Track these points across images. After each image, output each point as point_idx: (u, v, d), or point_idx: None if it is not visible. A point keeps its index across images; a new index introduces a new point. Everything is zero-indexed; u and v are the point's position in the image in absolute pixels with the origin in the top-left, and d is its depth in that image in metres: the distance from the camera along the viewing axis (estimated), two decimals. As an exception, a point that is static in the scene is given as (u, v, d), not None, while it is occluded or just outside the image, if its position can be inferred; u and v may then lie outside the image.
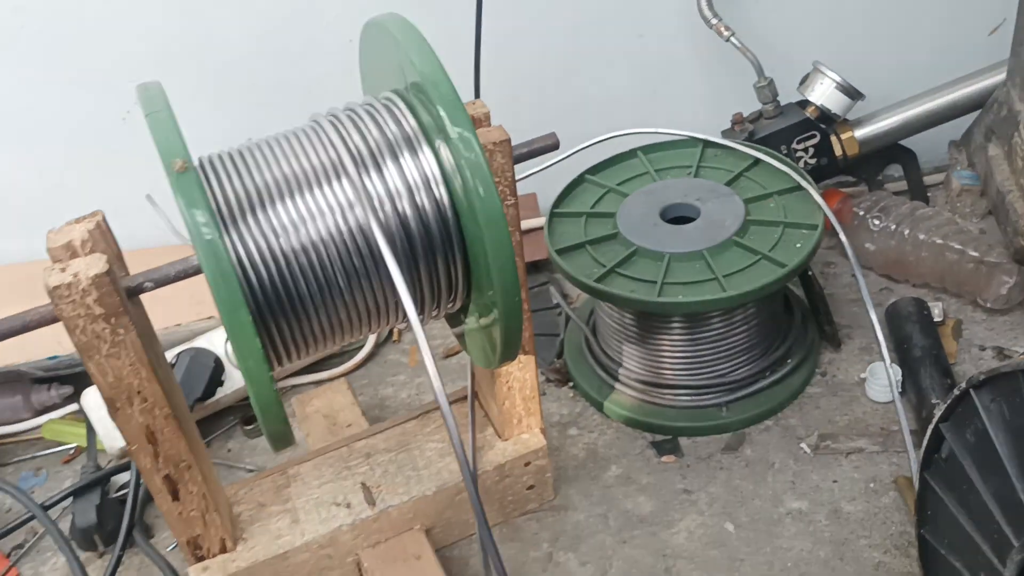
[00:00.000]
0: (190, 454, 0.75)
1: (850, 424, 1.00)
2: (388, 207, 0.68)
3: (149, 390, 0.70)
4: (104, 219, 0.69)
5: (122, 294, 0.65)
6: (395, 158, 0.69)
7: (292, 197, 0.67)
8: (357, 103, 0.73)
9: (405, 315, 0.72)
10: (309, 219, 0.67)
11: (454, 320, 0.84)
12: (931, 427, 0.65)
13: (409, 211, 0.68)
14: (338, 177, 0.68)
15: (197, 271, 0.67)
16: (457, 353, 1.16)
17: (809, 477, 0.95)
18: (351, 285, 0.68)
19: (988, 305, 1.08)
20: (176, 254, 1.30)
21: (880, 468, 0.94)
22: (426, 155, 0.69)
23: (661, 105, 1.25)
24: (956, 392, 0.62)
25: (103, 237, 0.68)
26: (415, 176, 0.68)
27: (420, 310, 0.71)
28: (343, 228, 0.67)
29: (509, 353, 0.70)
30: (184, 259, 0.68)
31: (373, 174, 0.68)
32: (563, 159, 1.11)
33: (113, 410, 0.70)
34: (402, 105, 0.71)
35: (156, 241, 1.25)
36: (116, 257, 0.70)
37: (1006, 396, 0.60)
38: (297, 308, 0.67)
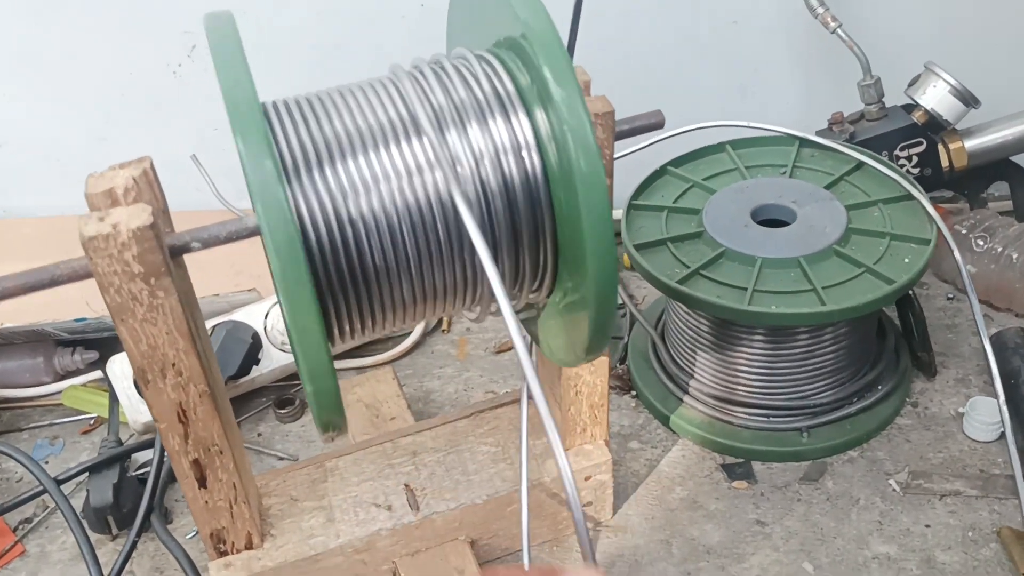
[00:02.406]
0: (223, 438, 0.67)
1: (945, 463, 0.90)
2: (470, 173, 0.59)
3: (185, 363, 0.62)
4: (152, 166, 0.60)
5: (165, 252, 0.57)
6: (481, 120, 0.60)
7: (365, 154, 0.58)
8: (444, 56, 0.64)
9: (479, 297, 0.64)
10: (383, 180, 0.58)
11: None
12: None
13: (494, 181, 0.59)
14: (418, 136, 0.59)
15: (251, 233, 0.59)
16: (509, 349, 1.07)
17: (899, 519, 0.85)
18: (420, 258, 0.59)
19: (1103, 343, 0.97)
20: (215, 218, 1.22)
21: (979, 515, 0.85)
22: (519, 119, 0.60)
23: (751, 98, 1.15)
24: None
25: (149, 187, 0.60)
26: (504, 141, 0.60)
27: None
28: (419, 193, 0.58)
29: (596, 348, 0.61)
30: (237, 219, 0.59)
31: (455, 135, 0.59)
32: (645, 147, 1.02)
33: (143, 382, 0.62)
34: (494, 62, 0.63)
35: (196, 204, 1.18)
36: (162, 211, 0.62)
37: None
38: (358, 281, 0.59)
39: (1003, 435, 0.89)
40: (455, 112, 0.60)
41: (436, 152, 0.58)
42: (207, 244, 0.59)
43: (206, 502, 0.71)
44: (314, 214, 0.57)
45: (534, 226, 0.60)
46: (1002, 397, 0.83)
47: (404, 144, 0.59)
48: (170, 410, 0.64)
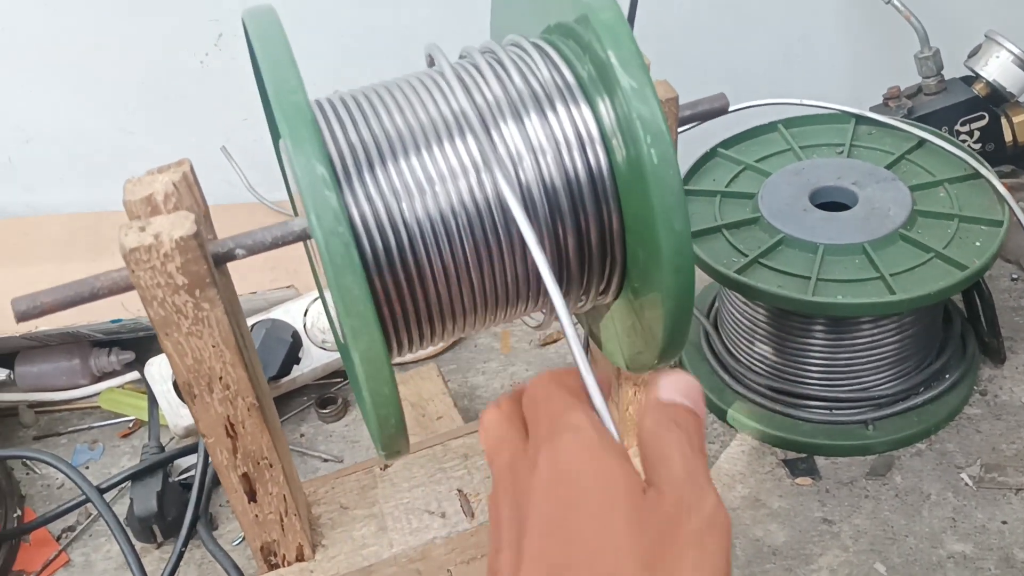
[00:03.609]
0: (273, 451, 0.64)
1: (1019, 454, 0.86)
2: (532, 170, 0.55)
3: (233, 376, 0.59)
4: (192, 170, 0.57)
5: (209, 262, 0.54)
6: (541, 113, 0.56)
7: (418, 153, 0.55)
8: (496, 45, 0.60)
9: (542, 303, 0.60)
10: (438, 180, 0.54)
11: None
12: None
13: (557, 178, 0.56)
14: (473, 132, 0.55)
15: (298, 238, 0.56)
16: (556, 341, 1.04)
17: (973, 515, 0.81)
18: (481, 263, 0.56)
19: None
20: (247, 211, 1.18)
21: (1059, 510, 0.81)
22: (581, 110, 0.56)
23: (798, 73, 1.10)
24: None
25: (190, 191, 0.56)
26: (567, 135, 0.56)
27: (565, 295, 0.58)
28: (477, 194, 0.55)
29: (671, 353, 0.58)
30: (282, 224, 0.56)
31: (514, 130, 0.56)
32: (691, 128, 0.97)
33: (190, 397, 0.59)
34: (550, 50, 0.59)
35: (226, 197, 1.15)
36: (203, 216, 0.58)
37: None
38: (416, 289, 0.55)
39: (1081, 424, 0.85)
40: (513, 105, 0.56)
41: (484, 150, 0.54)
42: (252, 251, 0.56)
43: (256, 516, 0.68)
44: (366, 219, 0.53)
45: (601, 225, 0.56)
46: (1084, 386, 0.78)
47: (459, 141, 0.55)
48: (218, 424, 0.61)
